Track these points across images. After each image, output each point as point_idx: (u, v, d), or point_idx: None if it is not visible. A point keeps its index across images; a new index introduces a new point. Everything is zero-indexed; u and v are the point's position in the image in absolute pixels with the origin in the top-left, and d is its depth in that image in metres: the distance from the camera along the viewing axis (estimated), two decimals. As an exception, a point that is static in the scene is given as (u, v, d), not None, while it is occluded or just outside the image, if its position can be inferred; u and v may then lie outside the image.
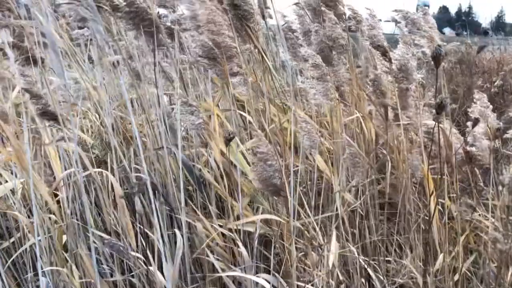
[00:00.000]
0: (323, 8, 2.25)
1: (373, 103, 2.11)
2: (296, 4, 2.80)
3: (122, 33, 2.43)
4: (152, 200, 1.83)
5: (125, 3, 2.02)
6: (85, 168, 1.99)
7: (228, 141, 1.80)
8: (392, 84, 2.09)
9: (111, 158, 2.21)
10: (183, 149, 2.22)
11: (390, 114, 2.23)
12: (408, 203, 2.21)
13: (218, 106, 2.38)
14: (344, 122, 2.24)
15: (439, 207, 2.17)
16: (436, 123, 1.97)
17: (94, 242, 1.85)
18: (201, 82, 2.50)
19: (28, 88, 1.98)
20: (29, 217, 2.07)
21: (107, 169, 2.34)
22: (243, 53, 2.41)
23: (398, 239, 2.24)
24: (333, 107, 2.14)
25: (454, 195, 2.23)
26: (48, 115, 1.94)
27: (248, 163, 2.08)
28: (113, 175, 2.26)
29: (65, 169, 2.02)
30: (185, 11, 2.13)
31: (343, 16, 2.27)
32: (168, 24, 2.35)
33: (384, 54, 2.14)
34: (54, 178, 2.06)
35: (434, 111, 2.39)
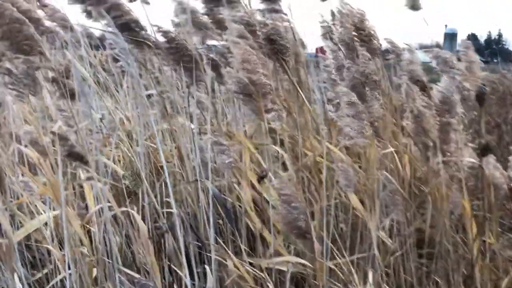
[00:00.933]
0: (356, 44, 2.19)
1: (413, 139, 2.03)
2: (327, 33, 2.75)
3: (155, 65, 2.42)
4: (181, 237, 1.78)
5: (165, 40, 2.02)
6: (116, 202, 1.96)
7: (260, 178, 1.75)
8: (433, 118, 2.01)
9: (142, 190, 2.18)
10: (214, 181, 2.18)
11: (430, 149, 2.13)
12: (447, 242, 2.10)
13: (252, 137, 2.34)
14: (379, 158, 2.15)
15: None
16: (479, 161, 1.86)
17: (121, 279, 1.81)
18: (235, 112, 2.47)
19: (55, 131, 1.98)
20: (61, 249, 2.04)
21: (137, 201, 2.32)
22: (281, 84, 2.37)
23: (437, 279, 2.12)
24: (366, 143, 2.06)
25: (497, 233, 2.11)
26: (74, 156, 1.92)
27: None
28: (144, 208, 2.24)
29: (98, 203, 2.00)
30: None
31: (378, 50, 2.21)
32: (212, 55, 2.34)
33: (423, 89, 2.06)
34: (87, 211, 2.04)
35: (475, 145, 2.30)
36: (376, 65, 2.24)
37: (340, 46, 2.23)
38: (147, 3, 3.56)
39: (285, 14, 2.41)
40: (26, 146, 2.08)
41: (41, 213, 2.08)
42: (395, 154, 2.22)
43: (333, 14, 2.54)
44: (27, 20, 1.80)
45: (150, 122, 2.72)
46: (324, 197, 2.01)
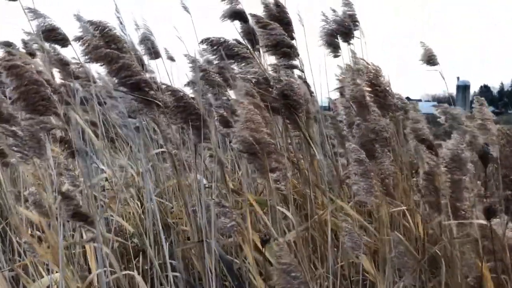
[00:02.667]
0: (367, 100, 2.11)
1: (425, 198, 1.90)
2: (340, 88, 2.68)
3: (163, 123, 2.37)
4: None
5: (173, 98, 1.98)
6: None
7: (264, 242, 1.63)
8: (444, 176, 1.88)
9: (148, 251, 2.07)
10: (220, 241, 2.06)
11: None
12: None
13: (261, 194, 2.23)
14: (390, 217, 2.02)
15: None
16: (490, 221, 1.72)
17: None
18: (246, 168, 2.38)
19: (60, 189, 1.92)
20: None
21: (146, 259, 2.21)
22: (291, 141, 2.29)
23: None
24: (376, 202, 1.93)
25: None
26: (78, 216, 1.84)
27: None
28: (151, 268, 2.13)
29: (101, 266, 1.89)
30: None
31: (393, 107, 2.12)
32: (222, 112, 2.29)
33: (430, 147, 1.95)
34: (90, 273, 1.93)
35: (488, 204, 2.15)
36: (387, 122, 2.15)
37: (351, 103, 2.15)
38: (173, 60, 3.59)
39: (302, 71, 2.36)
40: (27, 208, 2.01)
41: (45, 275, 1.98)
42: (407, 213, 2.09)
43: (344, 69, 2.48)
44: (44, 82, 1.78)
45: (160, 178, 2.67)
46: (331, 258, 1.87)
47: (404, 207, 2.10)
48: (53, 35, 2.44)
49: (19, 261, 2.17)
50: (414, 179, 2.07)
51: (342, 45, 2.91)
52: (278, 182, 1.87)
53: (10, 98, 1.70)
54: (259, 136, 1.73)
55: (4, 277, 1.91)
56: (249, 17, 2.54)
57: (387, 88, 2.19)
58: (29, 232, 2.26)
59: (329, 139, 2.53)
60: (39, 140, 1.82)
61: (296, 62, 2.33)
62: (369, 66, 2.17)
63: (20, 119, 1.95)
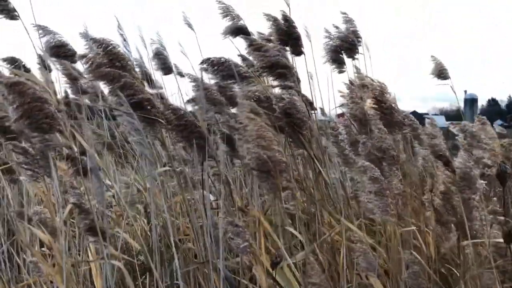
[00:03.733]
0: (370, 118, 2.03)
1: (439, 216, 1.81)
2: (342, 106, 2.60)
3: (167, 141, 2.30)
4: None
5: (174, 117, 1.91)
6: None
7: (274, 264, 1.54)
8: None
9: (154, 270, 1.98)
10: (228, 260, 1.97)
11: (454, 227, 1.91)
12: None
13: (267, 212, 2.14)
14: (401, 236, 1.93)
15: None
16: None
17: None
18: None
19: (78, 203, 1.85)
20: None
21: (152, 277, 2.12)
22: (294, 159, 2.21)
23: None
24: (388, 220, 1.84)
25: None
26: (93, 231, 1.77)
27: (298, 282, 1.79)
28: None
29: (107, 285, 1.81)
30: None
31: (400, 124, 2.03)
32: (224, 130, 2.21)
33: (447, 164, 1.86)
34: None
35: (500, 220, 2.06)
36: (397, 139, 2.07)
37: (352, 121, 2.07)
38: (182, 76, 3.53)
39: (299, 92, 2.28)
40: (34, 226, 1.93)
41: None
42: (417, 233, 1.99)
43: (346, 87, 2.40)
44: (48, 99, 1.71)
45: (167, 195, 2.59)
46: (344, 279, 1.78)
47: (414, 227, 2.01)
48: (62, 51, 2.38)
49: (26, 279, 2.09)
50: (425, 197, 1.98)
51: (347, 60, 2.85)
52: (286, 202, 1.79)
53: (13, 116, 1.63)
54: (270, 154, 1.65)
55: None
56: (249, 37, 2.48)
57: (393, 105, 2.11)
58: (37, 250, 2.18)
59: (333, 157, 2.44)
60: (48, 158, 1.74)
61: (294, 83, 2.25)
62: (375, 83, 2.09)
63: (28, 137, 1.88)
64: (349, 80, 2.14)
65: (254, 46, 2.19)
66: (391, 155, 1.92)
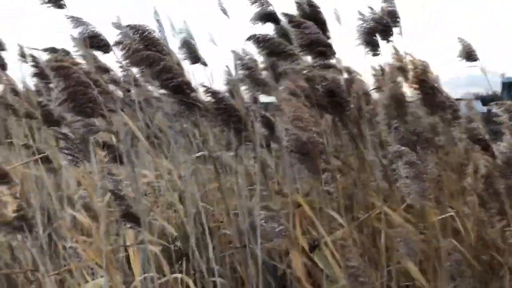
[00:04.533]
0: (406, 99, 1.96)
1: (483, 202, 1.73)
2: (376, 89, 2.53)
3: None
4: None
5: (213, 100, 1.87)
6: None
7: (312, 248, 1.50)
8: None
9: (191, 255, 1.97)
10: (264, 245, 1.94)
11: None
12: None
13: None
14: (441, 222, 1.85)
15: None
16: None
17: None
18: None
19: (114, 189, 1.85)
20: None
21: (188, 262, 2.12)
22: (340, 140, 2.15)
23: None
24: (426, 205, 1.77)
25: None
26: (129, 217, 1.77)
27: (338, 264, 1.75)
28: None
29: (144, 271, 1.80)
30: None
31: (442, 104, 1.94)
32: (265, 113, 2.17)
33: (486, 148, 1.77)
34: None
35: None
36: (437, 121, 1.98)
37: (390, 101, 1.99)
38: (206, 65, 3.51)
39: (340, 70, 2.20)
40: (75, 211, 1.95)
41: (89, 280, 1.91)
42: (457, 218, 1.92)
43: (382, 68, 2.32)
44: (92, 83, 1.71)
45: (201, 182, 2.57)
46: (384, 264, 1.73)
47: (453, 213, 1.93)
48: (95, 41, 2.37)
49: (65, 265, 2.11)
50: (467, 181, 1.90)
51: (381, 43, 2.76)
52: (326, 184, 1.74)
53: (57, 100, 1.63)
54: (308, 135, 1.60)
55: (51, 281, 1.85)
56: (282, 18, 2.41)
57: (436, 85, 2.02)
58: (76, 236, 2.21)
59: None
60: (88, 143, 1.74)
61: (333, 61, 2.17)
62: (416, 61, 2.00)
63: (70, 121, 1.89)
64: (389, 61, 2.06)
65: (294, 22, 2.13)
66: (425, 138, 1.84)
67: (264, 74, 2.13)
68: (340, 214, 1.86)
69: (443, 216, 1.91)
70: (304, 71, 1.95)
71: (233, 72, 2.20)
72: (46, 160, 2.44)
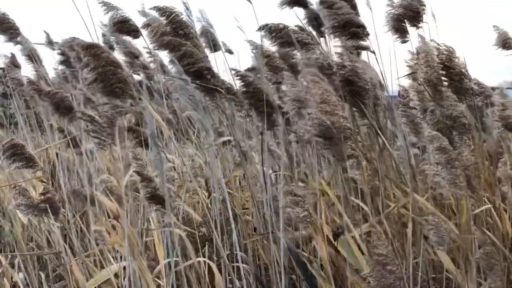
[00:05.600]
0: (444, 84, 1.85)
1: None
2: (412, 73, 2.43)
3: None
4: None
5: (242, 84, 1.83)
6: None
7: (336, 236, 1.44)
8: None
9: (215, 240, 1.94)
10: (288, 233, 1.89)
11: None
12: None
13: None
14: (474, 213, 1.76)
15: None
16: None
17: None
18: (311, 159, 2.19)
19: (140, 171, 1.83)
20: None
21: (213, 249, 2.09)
22: (359, 129, 2.08)
23: None
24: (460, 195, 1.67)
25: None
26: (155, 199, 1.75)
27: (362, 252, 1.68)
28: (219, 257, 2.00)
29: (168, 255, 1.78)
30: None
31: (470, 91, 1.84)
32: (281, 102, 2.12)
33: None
34: (157, 262, 1.82)
35: None
36: (464, 107, 1.88)
37: (425, 87, 1.89)
38: (231, 52, 3.46)
39: (373, 52, 2.12)
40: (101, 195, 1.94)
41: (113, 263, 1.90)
42: (492, 208, 1.81)
43: (415, 53, 2.21)
44: (121, 63, 1.68)
45: (227, 168, 2.54)
46: (411, 254, 1.65)
47: (489, 204, 1.83)
48: (125, 26, 2.36)
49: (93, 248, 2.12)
50: (501, 170, 1.79)
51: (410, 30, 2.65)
52: (351, 171, 1.66)
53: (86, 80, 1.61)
54: (334, 119, 1.53)
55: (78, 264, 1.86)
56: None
57: (463, 71, 1.92)
58: (104, 220, 2.21)
59: (400, 127, 2.27)
60: (115, 126, 1.72)
61: (366, 42, 2.08)
62: (441, 47, 1.90)
63: (97, 104, 1.87)
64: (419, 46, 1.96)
65: (326, 3, 2.05)
66: (462, 123, 1.74)
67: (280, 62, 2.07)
68: (365, 203, 1.79)
69: (479, 209, 1.81)
70: (320, 60, 1.88)
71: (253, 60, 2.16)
72: (77, 144, 2.45)
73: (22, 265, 2.03)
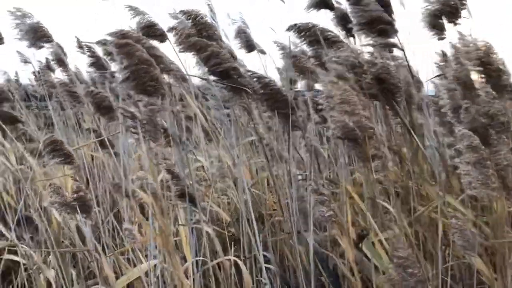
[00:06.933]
0: (480, 80, 1.79)
1: None
2: (440, 76, 2.37)
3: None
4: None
5: (260, 85, 1.84)
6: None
7: (360, 238, 1.42)
8: None
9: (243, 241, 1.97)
10: (316, 234, 1.88)
11: None
12: None
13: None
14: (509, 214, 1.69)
15: None
16: None
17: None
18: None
19: (170, 169, 1.87)
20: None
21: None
22: (391, 128, 2.04)
23: None
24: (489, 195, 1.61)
25: None
26: (185, 197, 1.78)
27: (389, 256, 1.65)
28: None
29: (196, 254, 1.82)
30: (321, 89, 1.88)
31: (508, 87, 1.77)
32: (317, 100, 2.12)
33: None
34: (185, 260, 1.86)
35: None
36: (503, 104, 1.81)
37: (456, 84, 1.84)
38: (264, 53, 3.48)
39: (402, 50, 2.08)
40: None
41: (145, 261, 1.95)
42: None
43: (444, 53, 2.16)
44: (154, 62, 1.72)
45: (254, 169, 2.55)
46: (440, 257, 1.61)
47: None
48: (151, 31, 2.42)
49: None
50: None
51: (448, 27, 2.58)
52: (377, 172, 1.64)
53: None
54: (355, 119, 1.51)
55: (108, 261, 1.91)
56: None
57: (501, 67, 1.85)
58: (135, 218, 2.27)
59: (430, 127, 2.22)
60: (156, 123, 1.76)
61: (395, 40, 2.05)
62: (478, 43, 1.84)
63: (136, 100, 1.92)
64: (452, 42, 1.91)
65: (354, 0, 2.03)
66: (500, 121, 1.67)
67: (311, 62, 2.06)
68: (391, 205, 1.76)
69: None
70: (351, 58, 1.85)
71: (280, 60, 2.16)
72: (111, 144, 2.53)
73: (55, 263, 2.11)
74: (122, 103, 2.02)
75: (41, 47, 2.51)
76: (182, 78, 2.50)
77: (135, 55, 1.64)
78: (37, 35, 2.41)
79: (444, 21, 2.55)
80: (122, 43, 1.64)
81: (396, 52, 2.26)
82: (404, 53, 2.11)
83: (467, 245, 1.42)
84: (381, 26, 1.99)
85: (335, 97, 1.53)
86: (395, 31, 2.03)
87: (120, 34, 1.68)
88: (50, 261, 2.11)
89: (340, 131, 1.61)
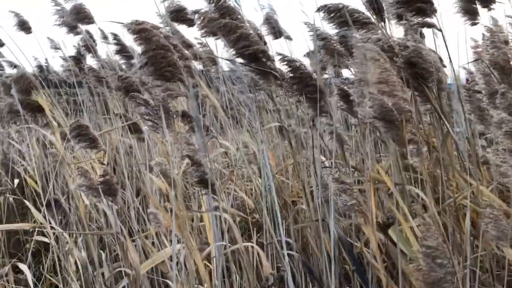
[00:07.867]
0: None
1: None
2: (477, 60, 2.27)
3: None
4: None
5: (289, 69, 1.79)
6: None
7: (386, 226, 1.37)
8: None
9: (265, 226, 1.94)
10: (339, 221, 1.84)
11: None
12: None
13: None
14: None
15: None
16: None
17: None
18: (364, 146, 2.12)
19: (190, 155, 1.85)
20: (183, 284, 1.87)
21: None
22: (420, 115, 1.97)
23: None
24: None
25: None
26: (205, 183, 1.76)
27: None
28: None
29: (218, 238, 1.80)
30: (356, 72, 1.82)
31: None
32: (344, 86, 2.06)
33: None
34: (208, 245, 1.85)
35: None
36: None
37: (492, 69, 1.75)
38: (290, 39, 3.42)
39: (440, 30, 1.99)
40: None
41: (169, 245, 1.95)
42: None
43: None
44: (171, 47, 1.70)
45: (279, 156, 2.52)
46: (468, 247, 1.54)
47: None
48: (180, 15, 2.40)
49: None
50: None
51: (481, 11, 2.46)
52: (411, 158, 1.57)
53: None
54: (393, 101, 1.44)
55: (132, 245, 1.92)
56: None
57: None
58: (159, 202, 2.27)
59: (465, 114, 2.13)
60: (169, 110, 1.75)
61: (434, 20, 1.95)
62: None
63: (149, 86, 1.90)
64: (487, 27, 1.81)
65: None
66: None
67: (339, 45, 1.99)
68: (424, 192, 1.69)
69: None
70: (379, 41, 1.77)
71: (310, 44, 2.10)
72: (137, 130, 2.54)
73: (84, 245, 2.14)
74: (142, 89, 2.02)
75: (78, 33, 2.53)
76: (212, 61, 2.48)
77: (152, 40, 1.62)
78: (79, 16, 2.43)
79: (478, 6, 2.46)
80: (140, 28, 1.62)
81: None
82: (443, 34, 2.01)
83: (502, 235, 1.35)
84: (419, 5, 1.90)
85: (374, 75, 1.45)
86: (434, 11, 1.94)
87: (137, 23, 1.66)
88: (79, 243, 2.14)
89: (377, 110, 1.53)
